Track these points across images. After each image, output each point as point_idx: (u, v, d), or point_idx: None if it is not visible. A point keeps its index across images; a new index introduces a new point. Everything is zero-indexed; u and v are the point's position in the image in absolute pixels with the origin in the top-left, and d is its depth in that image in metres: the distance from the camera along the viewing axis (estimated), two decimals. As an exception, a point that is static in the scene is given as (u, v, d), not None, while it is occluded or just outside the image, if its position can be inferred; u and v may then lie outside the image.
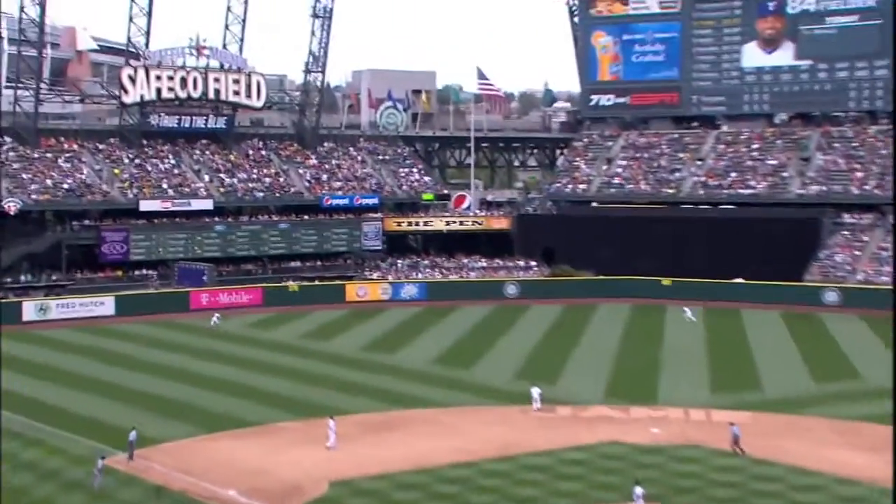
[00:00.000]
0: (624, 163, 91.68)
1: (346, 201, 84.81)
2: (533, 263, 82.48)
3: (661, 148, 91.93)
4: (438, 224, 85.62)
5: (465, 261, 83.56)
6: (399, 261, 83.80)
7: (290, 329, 65.02)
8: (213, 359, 54.70)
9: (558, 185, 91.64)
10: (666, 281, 74.45)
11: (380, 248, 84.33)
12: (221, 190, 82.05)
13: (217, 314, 66.87)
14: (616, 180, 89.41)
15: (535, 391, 44.42)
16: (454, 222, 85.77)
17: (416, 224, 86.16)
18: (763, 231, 74.81)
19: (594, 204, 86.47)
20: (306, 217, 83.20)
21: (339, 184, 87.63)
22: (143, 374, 50.31)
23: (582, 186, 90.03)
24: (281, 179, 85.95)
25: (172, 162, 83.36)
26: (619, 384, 48.68)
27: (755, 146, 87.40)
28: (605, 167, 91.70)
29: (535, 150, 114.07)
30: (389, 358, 55.45)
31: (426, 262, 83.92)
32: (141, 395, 45.73)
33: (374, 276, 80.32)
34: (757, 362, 52.26)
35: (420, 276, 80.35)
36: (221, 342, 59.98)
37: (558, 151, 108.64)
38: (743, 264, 72.55)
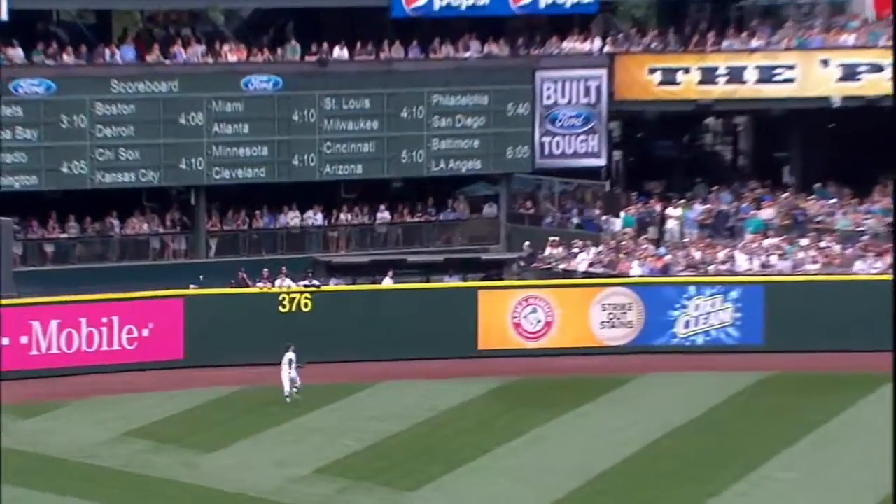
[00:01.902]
0: None
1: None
2: None
3: None
4: (815, 83, 77.53)
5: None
6: (673, 211, 76.75)
7: (287, 443, 54.69)
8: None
9: None
10: None
11: (600, 161, 75.44)
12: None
13: (293, 362, 61.99)
14: None
15: None
16: (874, 69, 76.31)
17: (728, 79, 76.83)
18: None
19: None
20: (341, 55, 75.04)
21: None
22: None
23: None
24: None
25: None
26: None
27: None
28: None
29: None
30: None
31: (767, 212, 75.94)
32: None
33: (580, 262, 70.82)
34: None
35: (741, 261, 72.06)
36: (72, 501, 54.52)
37: None
38: None
